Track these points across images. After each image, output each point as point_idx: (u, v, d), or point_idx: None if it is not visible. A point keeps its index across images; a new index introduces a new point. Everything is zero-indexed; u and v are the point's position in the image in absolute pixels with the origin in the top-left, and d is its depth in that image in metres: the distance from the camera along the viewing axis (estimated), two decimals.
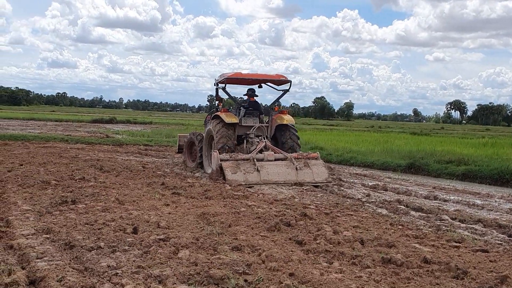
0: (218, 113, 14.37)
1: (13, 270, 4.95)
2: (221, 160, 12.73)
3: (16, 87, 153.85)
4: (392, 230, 7.78)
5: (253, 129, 14.40)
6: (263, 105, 15.62)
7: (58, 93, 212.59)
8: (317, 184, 12.74)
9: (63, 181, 10.64)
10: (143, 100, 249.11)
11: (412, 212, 9.46)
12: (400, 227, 8.07)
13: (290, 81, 15.11)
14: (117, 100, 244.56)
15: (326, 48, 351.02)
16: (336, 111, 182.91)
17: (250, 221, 7.79)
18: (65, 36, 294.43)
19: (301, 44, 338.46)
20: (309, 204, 9.59)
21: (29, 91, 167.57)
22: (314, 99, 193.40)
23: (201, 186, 11.17)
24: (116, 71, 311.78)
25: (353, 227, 7.71)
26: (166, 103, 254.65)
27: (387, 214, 9.30)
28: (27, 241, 6.17)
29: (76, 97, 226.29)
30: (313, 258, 6.02)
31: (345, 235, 7.03)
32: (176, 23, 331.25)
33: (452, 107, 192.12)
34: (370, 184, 13.39)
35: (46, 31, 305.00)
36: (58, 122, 42.62)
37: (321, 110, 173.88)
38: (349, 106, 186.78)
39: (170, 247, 6.06)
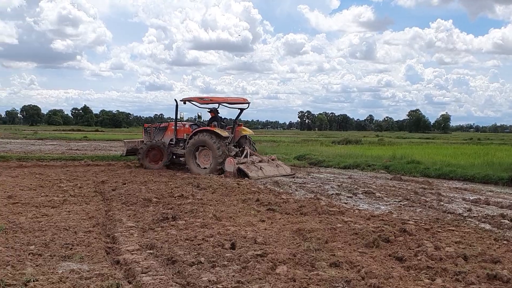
0: (211, 128, 18.33)
1: (121, 285, 5.19)
2: (237, 163, 17.07)
3: (117, 110, 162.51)
4: (496, 246, 7.43)
5: (229, 139, 18.62)
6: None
7: (155, 114, 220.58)
8: (291, 175, 17.84)
9: (163, 199, 11.05)
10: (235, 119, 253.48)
11: None
12: (505, 242, 7.69)
13: (249, 103, 19.77)
14: None
15: (419, 59, 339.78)
16: (432, 124, 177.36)
17: (347, 237, 7.70)
18: (161, 60, 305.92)
19: (394, 57, 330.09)
20: (408, 220, 9.33)
21: (128, 113, 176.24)
22: (409, 112, 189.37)
23: (295, 202, 11.17)
24: (209, 91, 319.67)
25: (455, 243, 7.43)
26: (257, 120, 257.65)
27: (491, 229, 8.88)
28: (132, 256, 6.46)
29: (173, 118, 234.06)
30: (414, 274, 5.86)
31: (447, 251, 6.79)
32: (266, 42, 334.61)
33: None
34: (471, 198, 12.83)
35: (144, 56, 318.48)
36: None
37: (416, 123, 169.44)
38: (446, 119, 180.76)
39: (268, 262, 6.12)
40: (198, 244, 7.03)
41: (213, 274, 5.67)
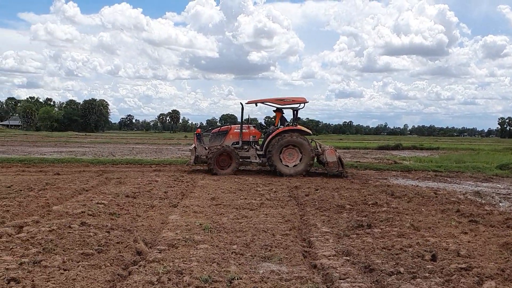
0: (298, 127, 19.23)
1: None
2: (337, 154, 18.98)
3: (307, 118, 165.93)
4: None
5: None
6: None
7: (344, 122, 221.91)
8: None
9: (357, 206, 10.92)
10: (428, 126, 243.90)
11: None
12: None
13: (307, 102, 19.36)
14: (401, 127, 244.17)
15: None
16: None
17: None
18: (352, 67, 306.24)
19: None
20: None
21: (318, 121, 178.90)
22: None
23: (500, 214, 10.29)
24: (401, 97, 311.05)
25: None
26: (453, 127, 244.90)
27: None
28: (329, 261, 6.47)
29: (361, 125, 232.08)
30: None
31: None
32: (463, 45, 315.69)
33: None
34: None
35: (334, 64, 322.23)
36: (346, 149, 44.20)
37: None
38: None
39: (473, 277, 5.70)
40: (396, 254, 6.80)
41: (414, 286, 5.44)
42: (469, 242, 7.62)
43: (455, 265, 6.15)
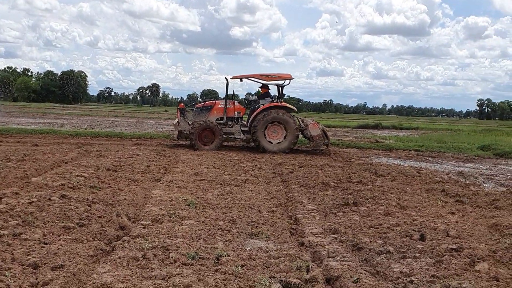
0: (285, 104, 18.95)
1: (311, 267, 5.07)
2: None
3: (288, 96, 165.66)
4: None
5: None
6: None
7: (324, 100, 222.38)
8: None
9: (341, 184, 10.80)
10: (406, 106, 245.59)
11: None
12: None
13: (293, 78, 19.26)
14: (380, 106, 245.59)
15: None
16: None
17: None
18: (333, 45, 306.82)
19: None
20: None
21: (299, 99, 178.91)
22: None
23: (486, 195, 10.27)
24: (381, 77, 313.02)
25: None
26: (431, 108, 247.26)
27: None
28: (316, 239, 6.36)
29: (341, 104, 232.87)
30: None
31: None
32: (445, 26, 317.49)
33: None
34: None
35: (316, 41, 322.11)
36: (326, 127, 44.05)
37: None
38: None
39: (465, 258, 5.60)
40: (384, 233, 6.70)
41: (404, 266, 5.32)
42: (457, 222, 7.54)
43: (445, 246, 6.05)
